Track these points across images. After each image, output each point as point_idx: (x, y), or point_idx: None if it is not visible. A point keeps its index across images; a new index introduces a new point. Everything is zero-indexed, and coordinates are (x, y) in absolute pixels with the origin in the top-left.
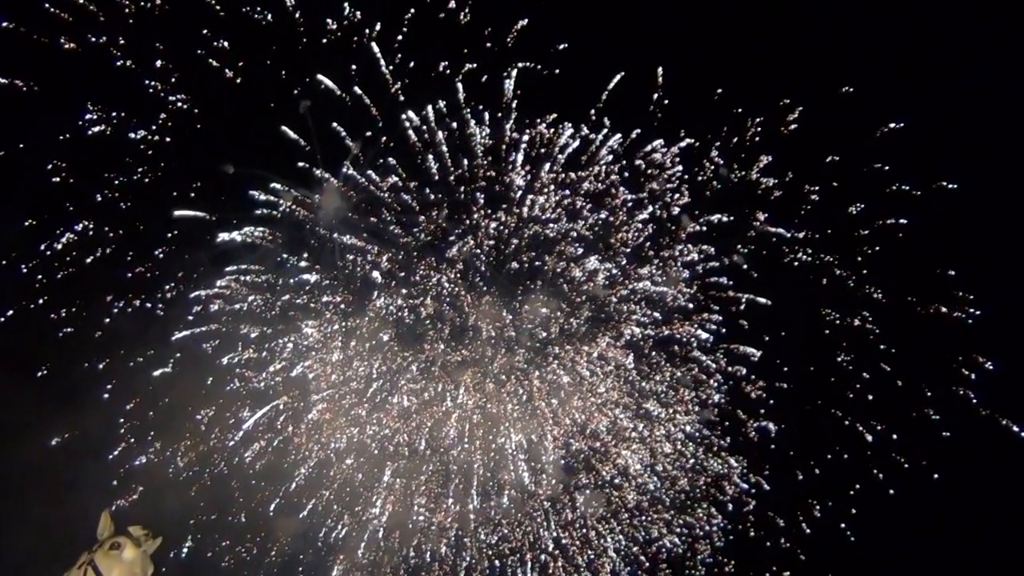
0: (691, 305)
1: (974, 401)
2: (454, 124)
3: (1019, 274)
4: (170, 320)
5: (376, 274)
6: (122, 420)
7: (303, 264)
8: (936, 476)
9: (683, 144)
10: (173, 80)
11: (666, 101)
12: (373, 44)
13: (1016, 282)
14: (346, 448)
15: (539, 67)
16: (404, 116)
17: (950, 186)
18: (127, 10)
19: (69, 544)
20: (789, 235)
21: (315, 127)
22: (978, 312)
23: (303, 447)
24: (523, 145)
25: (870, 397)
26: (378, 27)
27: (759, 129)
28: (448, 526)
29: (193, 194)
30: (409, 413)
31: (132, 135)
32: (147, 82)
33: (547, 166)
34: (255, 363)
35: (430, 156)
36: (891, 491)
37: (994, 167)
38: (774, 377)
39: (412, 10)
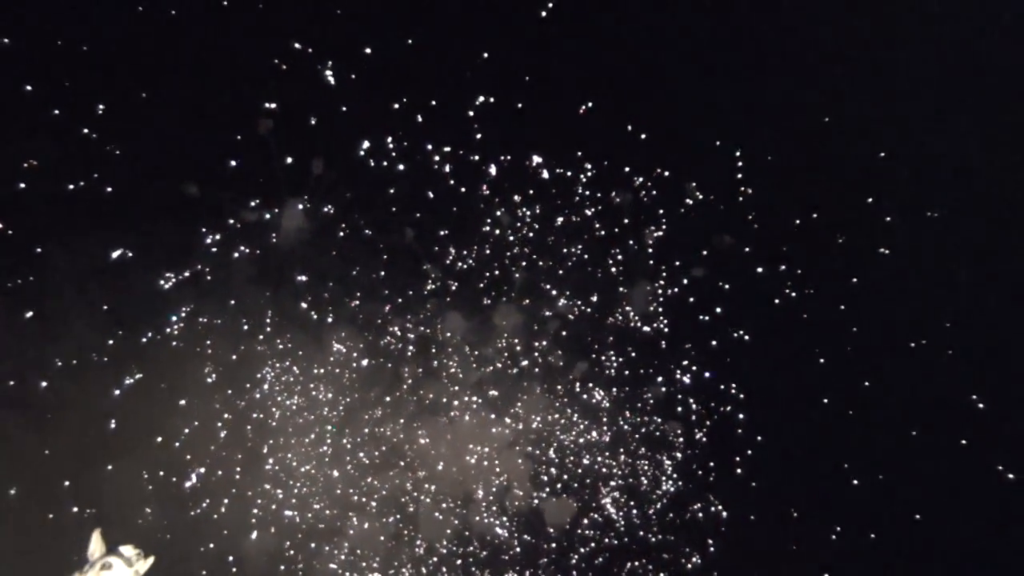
0: (665, 343)
1: (963, 442)
2: (417, 156)
3: (1010, 304)
4: (116, 370)
5: (336, 316)
6: (68, 481)
7: (261, 303)
8: (918, 516)
9: (656, 174)
10: (116, 123)
11: (642, 135)
12: (328, 73)
13: (1007, 312)
14: (309, 493)
15: (504, 99)
16: (363, 148)
17: (932, 214)
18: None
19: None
20: (769, 269)
21: (273, 157)
22: (964, 346)
23: (263, 495)
24: (490, 177)
25: (856, 437)
26: (330, 64)
27: (740, 163)
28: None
29: (136, 243)
30: (374, 457)
31: (71, 186)
32: (86, 131)
33: (516, 198)
34: (210, 410)
35: (391, 190)
36: (872, 535)
37: (977, 194)
38: (758, 415)
39: (368, 49)
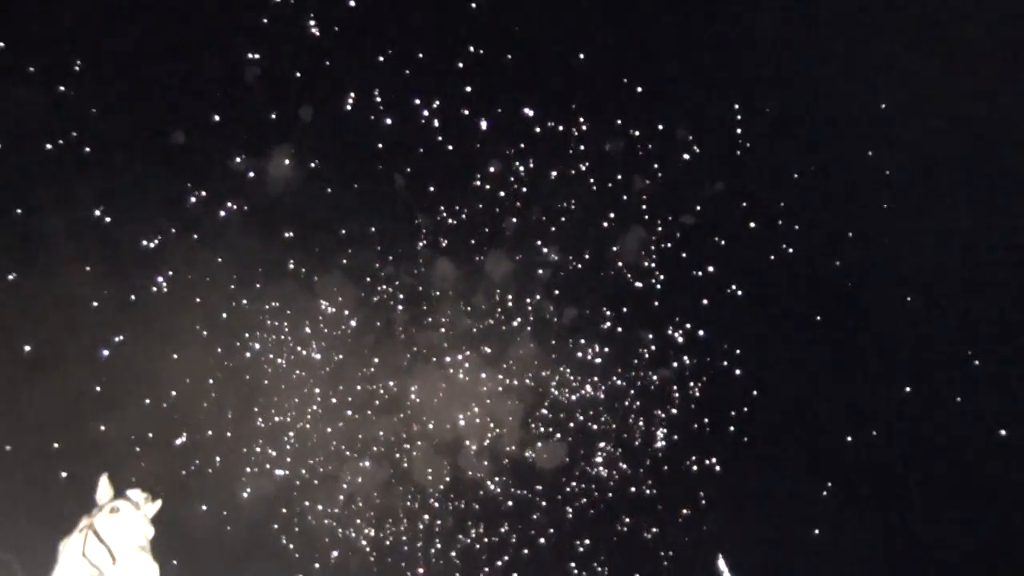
0: (660, 297)
1: (958, 399)
2: (405, 110)
3: (1010, 258)
4: (104, 328)
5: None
6: (57, 443)
7: (249, 257)
8: (911, 472)
9: (650, 127)
10: (96, 80)
11: (639, 88)
12: (312, 25)
13: (1007, 267)
14: (301, 447)
15: (494, 51)
16: (349, 102)
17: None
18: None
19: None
20: (765, 222)
21: (258, 112)
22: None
23: (255, 451)
24: (481, 130)
25: (850, 392)
26: (313, 16)
27: (738, 116)
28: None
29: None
30: (366, 411)
31: (50, 145)
32: (61, 88)
33: (508, 152)
34: (200, 366)
35: (380, 144)
36: (864, 489)
37: (979, 145)
38: (752, 370)
39: (352, 2)
